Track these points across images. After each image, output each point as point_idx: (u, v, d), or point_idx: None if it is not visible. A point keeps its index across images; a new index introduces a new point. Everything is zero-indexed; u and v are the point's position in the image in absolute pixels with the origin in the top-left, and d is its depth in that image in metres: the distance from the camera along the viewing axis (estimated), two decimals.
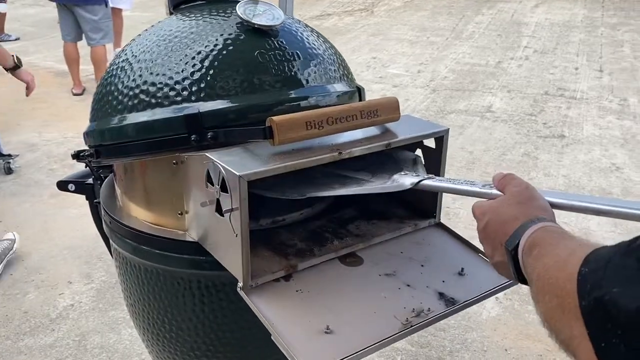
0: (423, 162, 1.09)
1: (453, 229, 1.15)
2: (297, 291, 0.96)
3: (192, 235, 1.08)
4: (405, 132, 1.06)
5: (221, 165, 0.90)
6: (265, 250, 1.04)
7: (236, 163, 0.91)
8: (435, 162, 1.12)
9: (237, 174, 0.86)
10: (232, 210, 0.90)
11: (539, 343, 2.36)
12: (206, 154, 0.95)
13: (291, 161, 0.91)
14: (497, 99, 5.24)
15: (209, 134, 1.01)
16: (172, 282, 1.13)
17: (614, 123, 4.74)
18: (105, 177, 1.36)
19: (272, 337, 0.87)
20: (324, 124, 0.96)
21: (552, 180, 3.87)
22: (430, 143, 1.13)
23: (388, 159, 1.11)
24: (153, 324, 1.22)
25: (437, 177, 0.97)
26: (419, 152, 1.16)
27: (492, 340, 2.36)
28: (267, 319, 0.89)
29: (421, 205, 1.18)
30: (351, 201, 1.27)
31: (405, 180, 0.97)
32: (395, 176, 1.00)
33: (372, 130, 1.06)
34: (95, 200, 1.32)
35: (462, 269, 1.04)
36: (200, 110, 1.02)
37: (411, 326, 0.90)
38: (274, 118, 0.93)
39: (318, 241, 1.07)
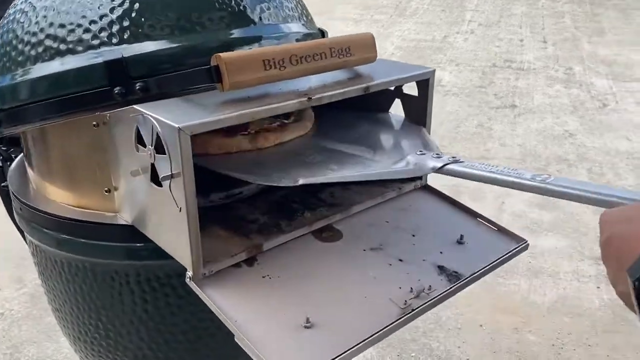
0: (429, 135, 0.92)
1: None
2: (263, 277, 0.75)
3: (125, 217, 0.85)
4: (383, 74, 0.86)
5: (154, 118, 0.68)
6: (220, 229, 0.82)
7: (174, 113, 0.69)
8: (419, 114, 0.93)
9: (176, 125, 0.64)
10: (172, 176, 0.68)
11: (513, 316, 2.26)
12: (134, 106, 0.73)
13: (247, 109, 0.70)
14: (446, 73, 5.16)
15: (137, 84, 0.79)
16: (103, 278, 0.90)
17: (562, 91, 4.75)
18: (17, 157, 1.11)
19: (235, 339, 0.66)
20: (286, 64, 0.75)
21: (508, 150, 3.80)
22: (410, 90, 0.94)
23: (385, 128, 0.93)
24: (85, 331, 0.99)
25: (466, 162, 0.76)
26: (398, 105, 0.97)
27: (466, 317, 2.24)
28: (227, 316, 0.68)
29: None
30: None
31: (425, 161, 0.78)
32: (410, 157, 0.80)
33: (343, 74, 0.86)
34: (2, 185, 1.07)
35: (462, 237, 0.86)
36: (125, 55, 0.79)
37: (412, 310, 0.71)
38: (222, 55, 0.71)
39: (285, 214, 0.86)
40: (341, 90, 0.78)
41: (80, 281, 0.92)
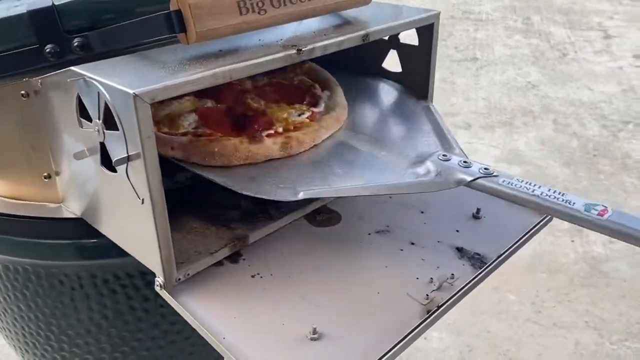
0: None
1: None
2: (253, 277, 0.61)
3: (72, 208, 0.69)
4: (380, 20, 0.71)
5: (100, 83, 0.51)
6: (194, 219, 0.67)
7: (126, 76, 0.52)
8: (419, 67, 0.79)
9: (130, 91, 0.48)
10: (128, 159, 0.52)
11: (492, 276, 2.20)
12: (72, 68, 0.55)
13: (221, 66, 0.54)
14: None
15: (74, 40, 0.61)
16: (50, 283, 0.74)
17: (522, 42, 4.69)
18: None
19: None
20: (266, 6, 0.59)
21: (472, 104, 3.73)
22: (409, 40, 0.79)
23: (388, 102, 0.79)
24: (33, 342, 0.83)
25: (501, 175, 0.63)
26: (394, 56, 0.82)
27: None
28: (213, 332, 0.53)
29: None
30: None
31: (450, 172, 0.63)
32: (430, 163, 0.65)
33: (332, 20, 0.70)
34: None
35: (478, 210, 0.73)
36: (56, 3, 0.61)
37: (437, 307, 0.58)
38: None
39: None
40: (336, 40, 0.63)
41: (21, 287, 0.76)
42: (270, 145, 0.67)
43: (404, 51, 0.80)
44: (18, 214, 0.71)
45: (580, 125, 3.43)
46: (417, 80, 0.80)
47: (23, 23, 0.61)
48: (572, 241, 2.43)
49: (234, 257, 0.63)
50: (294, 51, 0.59)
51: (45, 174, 0.69)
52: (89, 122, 0.56)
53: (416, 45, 0.78)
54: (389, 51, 0.83)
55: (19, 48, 0.62)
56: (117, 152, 0.53)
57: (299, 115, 0.73)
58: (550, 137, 3.30)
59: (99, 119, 0.53)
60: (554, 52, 4.47)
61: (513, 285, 2.18)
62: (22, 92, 0.64)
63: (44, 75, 0.61)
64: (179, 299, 0.57)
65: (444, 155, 0.66)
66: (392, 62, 0.86)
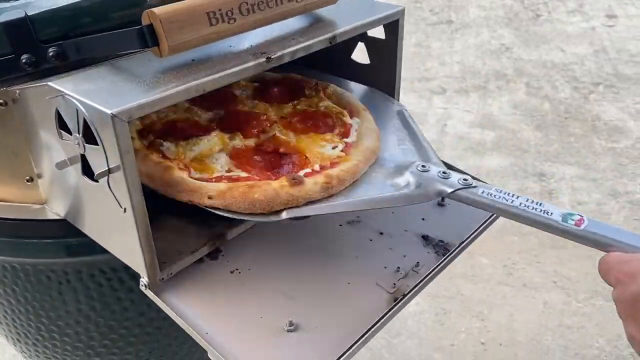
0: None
1: None
2: (232, 272, 0.65)
3: (55, 210, 0.72)
4: (347, 19, 0.73)
5: (78, 100, 0.54)
6: (172, 217, 0.70)
7: (103, 92, 0.54)
8: (386, 60, 0.82)
9: (108, 111, 0.51)
10: (109, 171, 0.55)
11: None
12: (49, 84, 0.58)
13: (196, 79, 0.57)
14: None
15: (50, 50, 0.63)
16: (38, 279, 0.77)
17: (497, 3, 4.69)
18: None
19: (209, 355, 0.57)
20: (236, 15, 0.61)
21: (447, 68, 3.75)
22: (376, 33, 0.82)
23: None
24: (25, 333, 0.87)
25: (480, 186, 0.64)
26: (362, 48, 0.85)
27: None
28: (196, 328, 0.58)
29: None
30: None
31: (431, 183, 0.64)
32: (410, 174, 0.66)
33: (302, 21, 0.72)
34: None
35: (443, 197, 0.78)
36: (29, 13, 0.62)
37: (403, 295, 0.64)
38: (157, 11, 0.56)
39: None
40: (304, 44, 0.66)
41: (10, 283, 0.79)
42: (311, 187, 0.63)
43: (372, 44, 0.83)
44: (2, 216, 0.73)
45: (553, 88, 3.49)
46: (384, 72, 0.84)
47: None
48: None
49: (213, 254, 0.67)
50: (264, 59, 0.62)
51: (27, 177, 0.71)
52: (69, 135, 0.58)
53: (383, 39, 0.81)
54: (357, 44, 0.86)
55: None
56: (97, 165, 0.56)
57: (333, 149, 0.71)
58: (523, 100, 3.35)
59: (78, 134, 0.56)
60: (527, 12, 4.49)
61: (486, 249, 2.27)
62: (1, 100, 0.65)
63: (21, 85, 0.63)
64: (163, 298, 0.61)
65: (422, 166, 0.67)
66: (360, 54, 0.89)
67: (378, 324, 0.60)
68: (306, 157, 0.69)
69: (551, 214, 0.59)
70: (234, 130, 0.73)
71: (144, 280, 0.61)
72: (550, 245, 2.27)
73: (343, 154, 0.70)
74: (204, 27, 0.59)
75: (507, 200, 0.61)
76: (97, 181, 0.57)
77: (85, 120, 0.54)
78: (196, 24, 0.58)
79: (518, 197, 0.61)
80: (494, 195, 0.62)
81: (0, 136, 0.69)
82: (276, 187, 0.61)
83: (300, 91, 0.83)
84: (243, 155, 0.68)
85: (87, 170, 0.59)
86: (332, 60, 0.88)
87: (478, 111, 3.26)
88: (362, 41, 0.85)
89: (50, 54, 0.63)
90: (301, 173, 0.65)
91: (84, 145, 0.56)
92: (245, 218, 0.60)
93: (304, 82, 0.84)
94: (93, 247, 0.70)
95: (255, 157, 0.69)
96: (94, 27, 0.65)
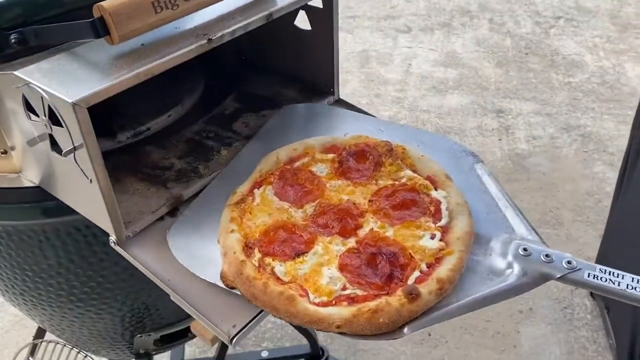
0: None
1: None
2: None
3: (30, 178, 0.80)
4: None
5: (41, 89, 0.62)
6: (136, 181, 0.80)
7: (64, 82, 0.62)
8: (326, 27, 0.90)
9: (69, 100, 0.59)
10: (75, 149, 0.64)
11: None
12: (15, 73, 0.65)
13: (145, 65, 0.65)
14: None
15: (12, 37, 0.70)
16: (20, 238, 0.87)
17: None
18: None
19: (172, 298, 0.68)
20: (178, 2, 0.69)
21: (413, 5, 3.77)
22: (316, 2, 0.89)
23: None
24: (12, 285, 0.97)
25: (583, 266, 0.64)
26: (303, 17, 0.92)
27: None
28: (159, 277, 0.69)
29: (315, 79, 0.97)
30: (228, 85, 1.03)
31: (537, 268, 0.64)
32: (512, 257, 0.66)
33: (239, 0, 0.79)
34: None
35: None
36: None
37: None
38: (104, 4, 0.63)
39: (201, 155, 0.84)
40: (242, 24, 0.73)
41: None
42: (427, 298, 0.62)
43: (311, 13, 0.91)
44: None
45: (515, 23, 3.55)
46: (324, 38, 0.92)
47: None
48: (500, 140, 2.64)
49: (172, 213, 0.77)
50: (205, 41, 0.70)
51: (2, 150, 0.79)
52: (36, 117, 0.66)
53: (321, 8, 0.89)
54: (299, 11, 0.93)
55: None
56: (64, 143, 0.65)
57: (432, 239, 0.70)
58: (486, 37, 3.42)
59: (45, 117, 0.64)
60: None
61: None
62: None
63: None
64: (130, 252, 0.71)
65: (524, 249, 0.66)
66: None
67: None
68: (411, 256, 0.68)
69: None
70: (332, 232, 0.72)
71: (112, 238, 0.72)
72: (506, 179, 2.42)
73: (443, 243, 0.69)
74: (150, 15, 0.67)
75: (613, 283, 0.62)
76: (64, 156, 0.66)
77: (49, 106, 0.62)
78: (142, 13, 0.66)
79: (623, 276, 0.63)
80: (600, 277, 0.63)
81: None
82: (397, 306, 0.61)
83: (374, 157, 0.82)
84: (352, 269, 0.68)
85: (55, 147, 0.67)
86: (277, 26, 0.96)
87: (442, 49, 3.33)
88: (303, 9, 0.92)
89: (13, 40, 0.70)
90: (412, 278, 0.66)
91: (50, 127, 0.65)
92: (372, 340, 0.63)
93: (376, 146, 0.83)
94: (67, 209, 0.80)
95: (364, 267, 0.68)
96: (50, 14, 0.72)
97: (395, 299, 0.62)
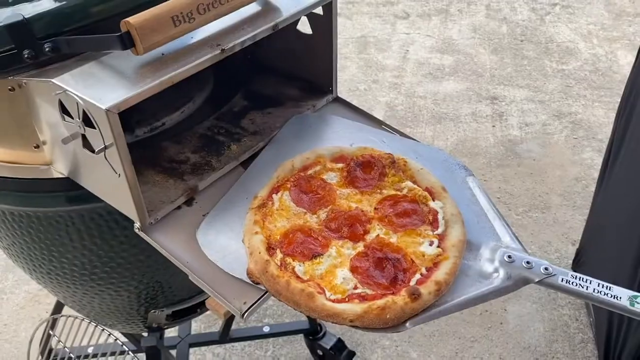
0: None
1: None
2: (204, 215, 0.85)
3: (60, 170, 0.90)
4: (289, 5, 0.89)
5: (77, 96, 0.71)
6: (155, 173, 0.89)
7: (97, 89, 0.71)
8: (325, 32, 0.98)
9: (103, 107, 0.68)
10: (105, 148, 0.73)
11: None
12: (53, 81, 0.74)
13: (167, 73, 0.74)
14: None
15: (46, 46, 0.78)
16: (48, 222, 0.96)
17: None
18: None
19: (190, 278, 0.78)
20: (194, 15, 0.77)
21: None
22: (317, 10, 0.98)
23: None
24: (40, 264, 1.07)
25: (557, 273, 0.74)
26: (305, 22, 1.00)
27: None
28: (178, 258, 0.79)
29: (315, 79, 1.06)
30: (235, 84, 1.12)
31: (519, 273, 0.74)
32: (498, 263, 0.76)
33: (250, 10, 0.88)
34: None
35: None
36: (26, 16, 0.77)
37: None
38: (131, 20, 0.72)
39: (213, 149, 0.94)
40: (250, 35, 0.82)
41: (26, 227, 0.98)
42: (427, 298, 0.72)
43: (312, 19, 0.99)
44: (13, 176, 0.91)
45: (511, 10, 3.61)
46: (324, 41, 1.00)
47: (2, 34, 0.77)
48: (493, 126, 2.73)
49: (189, 202, 0.87)
50: (219, 51, 0.78)
51: (35, 144, 0.89)
52: (70, 118, 0.75)
53: (321, 15, 0.97)
54: (301, 16, 1.01)
55: (2, 54, 0.79)
56: (95, 142, 0.74)
57: (430, 245, 0.79)
58: (482, 23, 3.48)
59: (79, 119, 0.73)
60: None
61: None
62: (9, 87, 0.81)
63: (26, 76, 0.79)
64: (153, 237, 0.81)
65: (509, 256, 0.76)
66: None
67: None
68: (413, 261, 0.78)
69: (620, 298, 0.70)
70: (343, 236, 0.81)
71: (137, 225, 0.81)
72: (497, 165, 2.51)
73: (440, 250, 0.78)
74: (170, 28, 0.75)
75: (582, 287, 0.72)
76: (95, 153, 0.75)
77: (84, 111, 0.71)
78: (163, 27, 0.75)
79: (591, 281, 0.72)
80: (571, 282, 0.73)
81: (11, 113, 0.85)
82: (402, 304, 0.71)
83: (379, 168, 0.90)
84: (362, 271, 0.77)
85: (87, 145, 0.77)
86: (281, 30, 1.04)
87: (439, 36, 3.39)
88: (305, 15, 1.00)
89: (47, 48, 0.79)
90: (413, 280, 0.75)
91: (84, 128, 0.74)
92: (379, 332, 0.73)
93: (380, 158, 0.91)
94: (91, 197, 0.89)
95: (372, 269, 0.77)
96: (79, 25, 0.80)
97: (400, 298, 0.71)
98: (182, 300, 1.21)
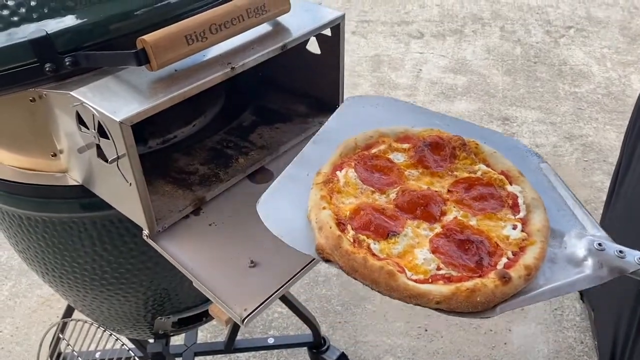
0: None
1: None
2: (210, 225, 0.89)
3: (75, 177, 0.94)
4: (298, 26, 0.93)
5: (94, 108, 0.75)
6: (165, 184, 0.93)
7: (112, 102, 0.76)
8: (333, 52, 1.02)
9: (117, 119, 0.72)
10: (118, 158, 0.77)
11: None
12: (71, 93, 0.78)
13: (179, 89, 0.78)
14: None
15: (66, 59, 0.83)
16: (62, 228, 1.00)
17: None
18: None
19: (194, 284, 0.81)
20: (207, 34, 0.81)
21: (427, 11, 3.87)
22: (325, 31, 1.02)
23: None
24: (52, 268, 1.11)
25: None
26: (314, 41, 1.04)
27: None
28: (184, 265, 0.82)
29: (323, 97, 1.10)
30: (246, 99, 1.16)
31: (612, 262, 0.70)
32: (587, 252, 0.72)
33: (261, 29, 0.92)
34: None
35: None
36: (49, 32, 0.82)
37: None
38: (146, 38, 0.76)
39: (222, 162, 0.97)
40: (260, 54, 0.86)
41: (41, 232, 1.02)
42: (517, 282, 0.68)
43: (321, 39, 1.03)
44: (30, 182, 0.95)
45: (526, 32, 3.64)
46: (332, 61, 1.04)
47: (27, 48, 0.82)
48: None
49: (196, 212, 0.90)
50: (229, 69, 0.82)
51: (52, 152, 0.93)
52: (86, 129, 0.80)
53: (330, 36, 1.01)
54: (310, 37, 1.06)
55: (25, 66, 0.83)
56: (110, 154, 0.78)
57: (514, 229, 0.76)
58: (496, 45, 3.52)
59: (94, 130, 0.78)
60: None
61: None
62: (30, 98, 0.86)
63: (46, 88, 0.84)
64: (160, 244, 0.85)
65: (599, 244, 0.72)
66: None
67: (311, 263, 0.84)
68: (497, 245, 0.74)
69: None
70: (417, 217, 0.77)
71: (145, 232, 0.85)
72: None
73: (525, 234, 0.75)
74: (183, 46, 0.79)
75: None
76: (108, 163, 0.79)
77: (99, 122, 0.76)
78: (177, 45, 0.79)
79: None
80: None
81: (31, 123, 0.90)
82: (492, 287, 0.67)
83: (448, 149, 0.86)
84: (444, 252, 0.72)
85: (101, 155, 0.81)
86: (290, 49, 1.08)
87: (452, 56, 3.43)
88: (314, 36, 1.04)
89: (67, 62, 0.83)
90: (500, 263, 0.71)
91: (98, 138, 0.78)
92: (467, 317, 0.69)
93: (450, 139, 0.87)
94: (104, 204, 0.93)
95: (455, 251, 0.73)
96: (97, 41, 0.85)
97: (490, 281, 0.67)
98: (188, 308, 1.25)
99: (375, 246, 0.72)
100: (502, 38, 3.58)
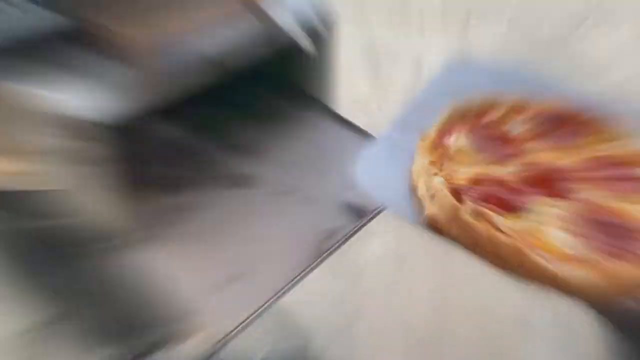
0: None
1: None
2: (187, 234, 0.82)
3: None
4: (290, 24, 0.87)
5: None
6: (147, 188, 0.86)
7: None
8: (327, 51, 0.97)
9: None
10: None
11: None
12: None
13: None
14: None
15: None
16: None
17: None
18: None
19: (165, 301, 0.75)
20: None
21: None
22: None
23: None
24: None
25: None
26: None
27: None
28: (156, 277, 0.76)
29: (316, 95, 1.03)
30: (236, 100, 1.10)
31: None
32: None
33: (250, 27, 0.85)
34: None
35: None
36: None
37: (327, 251, 0.81)
38: None
39: (208, 165, 0.91)
40: (250, 52, 0.80)
41: None
42: None
43: (314, 37, 0.96)
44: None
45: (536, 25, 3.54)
46: (325, 59, 0.98)
47: None
48: None
49: (180, 216, 0.84)
50: (219, 68, 0.76)
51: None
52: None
53: (323, 34, 0.95)
54: (303, 35, 0.99)
55: None
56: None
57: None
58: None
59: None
60: None
61: None
62: None
63: None
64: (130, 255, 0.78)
65: None
66: None
67: (301, 275, 0.78)
68: None
69: None
70: (542, 192, 0.69)
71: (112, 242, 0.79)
72: None
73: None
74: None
75: None
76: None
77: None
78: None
79: None
80: None
81: None
82: None
83: (574, 125, 0.78)
84: (580, 232, 0.65)
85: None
86: (279, 41, 1.02)
87: (457, 47, 3.34)
88: (305, 28, 0.98)
89: None
90: None
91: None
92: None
93: (576, 114, 0.78)
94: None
95: (594, 232, 0.65)
96: None
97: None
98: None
99: (499, 220, 0.63)
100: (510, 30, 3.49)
